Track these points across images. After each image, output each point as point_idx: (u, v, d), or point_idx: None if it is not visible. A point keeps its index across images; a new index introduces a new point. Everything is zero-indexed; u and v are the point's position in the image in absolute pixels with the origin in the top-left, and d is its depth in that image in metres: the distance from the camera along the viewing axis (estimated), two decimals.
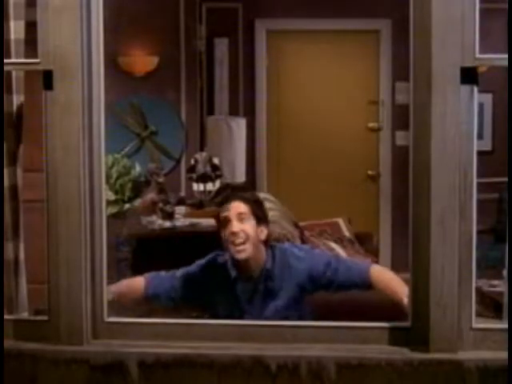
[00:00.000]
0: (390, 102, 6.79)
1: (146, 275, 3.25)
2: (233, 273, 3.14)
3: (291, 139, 6.85)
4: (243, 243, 3.10)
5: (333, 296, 3.21)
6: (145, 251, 4.47)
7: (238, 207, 3.14)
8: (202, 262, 3.25)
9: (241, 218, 3.12)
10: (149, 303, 3.26)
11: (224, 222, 3.13)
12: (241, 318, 3.09)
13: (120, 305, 3.16)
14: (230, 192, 3.30)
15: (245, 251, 3.10)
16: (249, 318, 3.10)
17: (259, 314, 3.12)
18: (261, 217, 3.17)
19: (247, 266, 3.13)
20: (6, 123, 2.41)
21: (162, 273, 3.25)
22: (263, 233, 3.14)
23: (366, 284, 3.11)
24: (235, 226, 3.10)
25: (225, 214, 3.13)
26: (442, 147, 2.14)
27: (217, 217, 3.21)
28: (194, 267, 3.25)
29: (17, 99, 2.44)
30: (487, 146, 6.54)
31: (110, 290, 3.04)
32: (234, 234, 3.09)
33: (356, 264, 3.36)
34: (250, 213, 3.13)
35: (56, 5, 2.21)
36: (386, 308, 2.86)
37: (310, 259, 3.20)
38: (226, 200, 3.21)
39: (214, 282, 3.19)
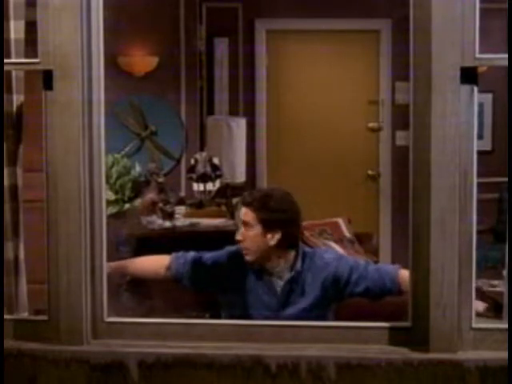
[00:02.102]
0: (390, 101, 6.79)
1: (172, 254, 3.26)
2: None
3: (291, 139, 6.86)
4: (247, 249, 3.11)
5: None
6: (145, 251, 4.46)
7: (245, 214, 3.13)
8: (232, 248, 3.26)
9: (246, 225, 3.12)
10: (170, 282, 3.28)
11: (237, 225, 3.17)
12: (261, 310, 3.09)
13: (138, 281, 3.20)
14: (245, 194, 3.28)
15: (249, 255, 3.13)
16: (269, 312, 3.10)
17: (281, 311, 3.12)
18: (270, 223, 3.12)
19: (263, 268, 3.15)
20: (6, 123, 2.40)
21: (190, 253, 3.25)
22: (274, 238, 3.11)
23: (396, 287, 3.08)
24: (239, 234, 3.12)
25: (237, 218, 3.16)
26: (442, 147, 2.14)
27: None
28: (223, 252, 3.25)
29: (17, 99, 2.44)
30: (487, 146, 6.54)
31: (126, 265, 3.09)
32: (238, 241, 3.12)
33: (385, 267, 3.33)
34: (256, 220, 3.11)
35: (56, 5, 2.21)
36: None
37: (336, 262, 3.19)
38: (241, 203, 3.21)
39: (240, 270, 3.19)
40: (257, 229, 3.10)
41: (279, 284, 3.14)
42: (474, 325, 2.20)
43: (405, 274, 3.13)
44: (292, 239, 3.18)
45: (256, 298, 3.15)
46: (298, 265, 3.13)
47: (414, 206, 2.20)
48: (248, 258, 3.12)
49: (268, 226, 3.11)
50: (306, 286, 3.13)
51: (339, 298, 3.16)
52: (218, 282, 3.23)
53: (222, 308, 3.25)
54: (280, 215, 3.15)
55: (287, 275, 3.13)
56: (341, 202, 6.58)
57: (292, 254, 3.15)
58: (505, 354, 2.05)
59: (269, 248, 3.11)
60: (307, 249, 3.26)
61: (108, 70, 2.30)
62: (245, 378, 2.20)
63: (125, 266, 3.32)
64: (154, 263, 3.29)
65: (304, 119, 6.85)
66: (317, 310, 3.11)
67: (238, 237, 3.12)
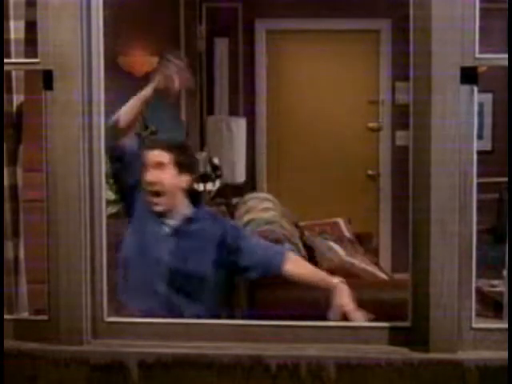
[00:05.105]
0: (390, 101, 6.80)
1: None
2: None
3: (291, 139, 6.86)
4: (159, 195, 3.06)
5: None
6: None
7: (157, 156, 3.09)
8: None
9: (159, 167, 3.06)
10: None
11: (143, 169, 3.09)
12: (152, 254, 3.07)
13: None
14: (154, 139, 3.23)
15: (160, 205, 3.07)
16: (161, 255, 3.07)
17: (170, 261, 3.09)
18: (184, 165, 3.13)
19: (165, 214, 3.11)
20: (6, 123, 2.41)
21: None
22: (185, 181, 3.12)
23: (278, 263, 3.06)
24: (151, 174, 3.06)
25: (144, 161, 3.10)
26: (442, 147, 2.14)
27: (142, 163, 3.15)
28: None
29: (17, 99, 2.44)
30: (487, 146, 6.55)
31: None
32: (149, 183, 3.06)
33: (274, 247, 3.30)
34: (170, 162, 3.09)
35: (56, 5, 2.21)
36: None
37: (225, 224, 3.21)
38: (149, 147, 3.15)
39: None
40: (171, 170, 3.09)
41: (169, 227, 3.12)
42: (474, 325, 2.20)
43: (292, 255, 3.16)
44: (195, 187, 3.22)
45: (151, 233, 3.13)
46: (191, 213, 3.12)
47: (414, 206, 2.20)
48: (156, 208, 3.08)
49: (181, 167, 3.11)
50: (195, 239, 3.11)
51: (224, 262, 3.11)
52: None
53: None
54: (192, 158, 3.23)
55: (178, 220, 3.11)
56: (341, 201, 6.58)
57: (185, 200, 3.13)
58: (505, 354, 2.05)
59: (177, 191, 3.10)
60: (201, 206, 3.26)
61: (108, 70, 2.30)
62: (245, 378, 2.20)
63: None
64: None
65: (304, 119, 6.86)
66: (205, 268, 3.08)
67: (149, 177, 3.05)
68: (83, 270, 2.27)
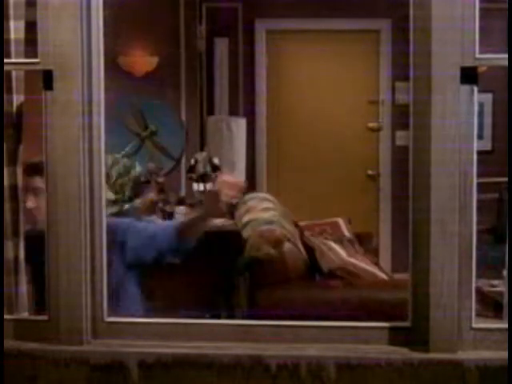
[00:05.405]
0: (390, 101, 6.80)
1: None
2: None
3: (291, 139, 6.86)
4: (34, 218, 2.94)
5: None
6: None
7: (36, 181, 2.93)
8: None
9: (36, 192, 2.95)
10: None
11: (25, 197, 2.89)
12: None
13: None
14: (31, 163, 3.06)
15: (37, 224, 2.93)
16: None
17: None
18: None
19: None
20: (6, 123, 2.40)
21: None
22: None
23: (173, 236, 3.03)
24: (29, 202, 2.93)
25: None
26: (442, 147, 2.14)
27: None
28: None
29: (17, 99, 2.44)
30: (487, 146, 6.55)
31: None
32: (28, 211, 2.90)
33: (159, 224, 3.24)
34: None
35: (56, 5, 2.21)
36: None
37: (122, 225, 3.14)
38: (28, 173, 2.87)
39: None
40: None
41: None
42: (474, 325, 2.19)
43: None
44: None
45: None
46: None
47: (414, 206, 2.20)
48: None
49: None
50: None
51: (130, 259, 3.04)
52: None
53: None
54: None
55: None
56: (341, 201, 6.59)
57: None
58: (505, 354, 2.05)
59: None
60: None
61: (108, 70, 2.30)
62: (245, 378, 2.20)
63: None
64: None
65: (304, 119, 6.86)
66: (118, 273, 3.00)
67: (28, 205, 2.89)
68: (83, 270, 2.27)
